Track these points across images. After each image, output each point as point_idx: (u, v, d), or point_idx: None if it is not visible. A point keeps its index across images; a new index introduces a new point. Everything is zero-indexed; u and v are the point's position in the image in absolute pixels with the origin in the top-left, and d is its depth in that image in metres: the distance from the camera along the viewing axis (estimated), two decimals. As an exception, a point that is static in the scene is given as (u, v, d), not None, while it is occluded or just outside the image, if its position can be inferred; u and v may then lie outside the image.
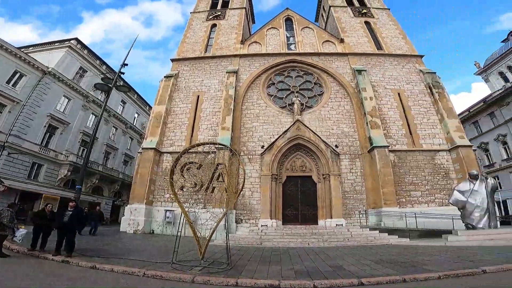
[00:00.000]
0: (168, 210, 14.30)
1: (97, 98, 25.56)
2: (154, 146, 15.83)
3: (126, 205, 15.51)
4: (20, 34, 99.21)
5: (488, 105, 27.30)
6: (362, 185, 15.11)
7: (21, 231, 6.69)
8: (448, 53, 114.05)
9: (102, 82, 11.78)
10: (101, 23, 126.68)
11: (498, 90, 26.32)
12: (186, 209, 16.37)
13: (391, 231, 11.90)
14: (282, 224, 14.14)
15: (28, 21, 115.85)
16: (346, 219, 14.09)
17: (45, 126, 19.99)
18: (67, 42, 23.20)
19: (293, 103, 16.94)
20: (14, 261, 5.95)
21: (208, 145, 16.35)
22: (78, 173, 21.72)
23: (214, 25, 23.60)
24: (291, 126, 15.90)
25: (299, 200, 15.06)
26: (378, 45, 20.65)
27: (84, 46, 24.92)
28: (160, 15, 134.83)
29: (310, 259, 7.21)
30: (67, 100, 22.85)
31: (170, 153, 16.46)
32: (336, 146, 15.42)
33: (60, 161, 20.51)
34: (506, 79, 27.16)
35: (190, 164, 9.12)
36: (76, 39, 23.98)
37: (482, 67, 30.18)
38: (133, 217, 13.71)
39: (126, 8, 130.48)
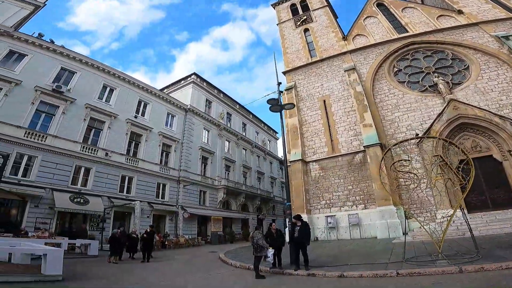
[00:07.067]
0: (329, 216, 14.91)
1: (226, 126, 27.09)
2: (300, 158, 16.67)
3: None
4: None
5: None
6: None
7: (271, 251, 6.77)
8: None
9: (273, 104, 12.39)
10: (187, 57, 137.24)
11: None
12: (347, 212, 16.37)
13: None
14: (468, 213, 12.70)
15: (135, 68, 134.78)
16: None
17: (199, 158, 22.51)
18: (189, 79, 25.21)
19: (435, 84, 16.28)
20: (280, 281, 6.01)
21: (352, 146, 16.75)
22: (231, 195, 23.69)
23: (306, 30, 24.02)
24: (445, 107, 15.17)
25: (482, 184, 13.62)
26: (507, 8, 18.42)
27: (201, 79, 26.74)
28: (231, 37, 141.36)
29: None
30: (206, 131, 24.71)
31: (315, 161, 17.16)
32: (515, 117, 14.22)
33: (216, 186, 22.82)
34: None
35: (400, 161, 9.57)
36: (195, 73, 25.91)
37: None
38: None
39: (203, 39, 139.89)
